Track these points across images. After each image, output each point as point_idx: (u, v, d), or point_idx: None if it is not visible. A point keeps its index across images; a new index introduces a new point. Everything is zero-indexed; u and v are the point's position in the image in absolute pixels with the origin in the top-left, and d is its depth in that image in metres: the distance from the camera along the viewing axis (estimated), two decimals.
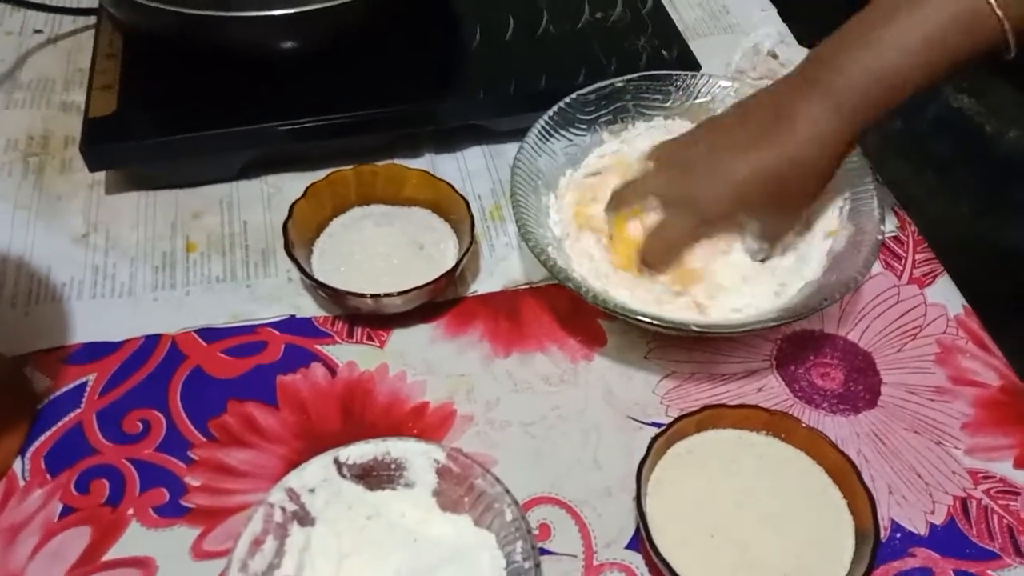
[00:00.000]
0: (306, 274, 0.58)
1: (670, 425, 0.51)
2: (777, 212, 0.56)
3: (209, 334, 0.59)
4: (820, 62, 0.54)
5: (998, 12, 0.49)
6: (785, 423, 0.52)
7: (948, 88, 0.97)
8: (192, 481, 0.52)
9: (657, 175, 0.58)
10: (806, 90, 0.53)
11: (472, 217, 0.61)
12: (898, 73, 0.51)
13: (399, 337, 0.60)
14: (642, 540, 0.49)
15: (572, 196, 0.62)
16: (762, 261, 0.58)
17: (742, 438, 0.52)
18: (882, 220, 0.57)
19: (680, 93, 0.66)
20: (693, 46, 0.74)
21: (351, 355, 0.58)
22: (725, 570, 0.47)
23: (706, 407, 0.52)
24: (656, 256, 0.57)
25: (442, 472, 0.49)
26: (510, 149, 0.70)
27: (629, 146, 0.65)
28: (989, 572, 0.50)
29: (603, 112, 0.65)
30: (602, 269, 0.58)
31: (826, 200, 0.60)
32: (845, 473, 0.50)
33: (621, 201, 0.58)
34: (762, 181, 0.54)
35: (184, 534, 0.50)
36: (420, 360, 0.58)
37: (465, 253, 0.59)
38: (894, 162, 0.98)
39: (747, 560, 0.47)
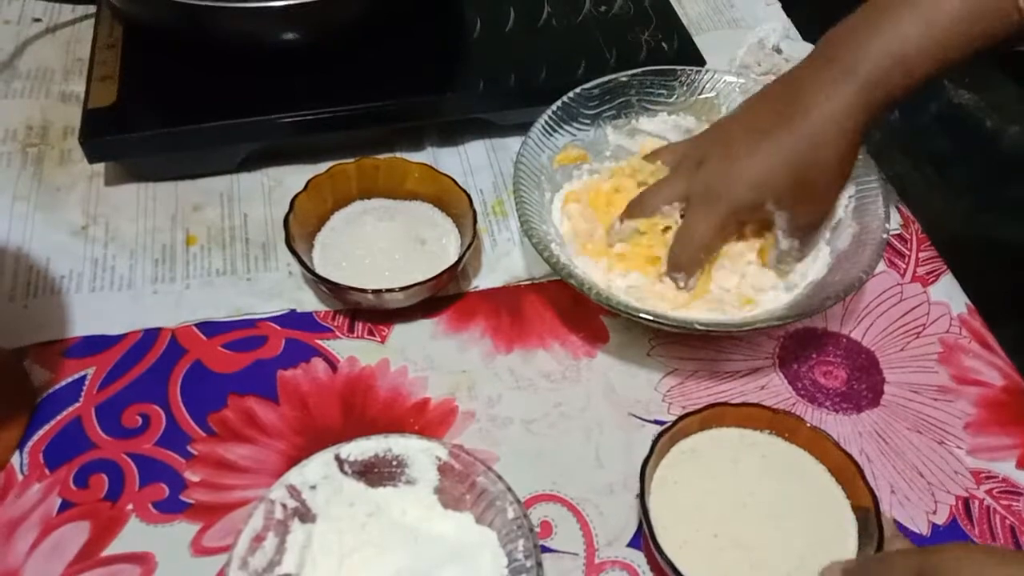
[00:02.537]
0: (307, 268, 0.57)
1: (674, 423, 0.51)
2: (805, 199, 0.54)
3: (209, 328, 0.59)
4: (836, 41, 0.53)
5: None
6: (788, 422, 0.52)
7: (949, 84, 0.97)
8: (192, 476, 0.52)
9: (674, 177, 0.57)
10: (822, 67, 0.53)
11: (474, 212, 0.60)
12: (919, 51, 0.50)
13: (400, 332, 0.59)
14: (644, 538, 0.49)
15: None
16: (785, 268, 0.58)
17: (745, 437, 0.52)
18: (887, 218, 0.57)
19: (684, 88, 0.66)
20: (697, 41, 0.74)
21: (352, 350, 0.58)
22: (728, 570, 0.47)
23: (709, 405, 0.52)
24: (685, 259, 0.55)
25: (444, 469, 0.48)
26: (512, 143, 0.70)
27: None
28: None
29: (607, 107, 0.65)
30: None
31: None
32: (848, 473, 0.49)
33: (640, 210, 0.57)
34: (786, 164, 0.52)
35: (184, 530, 0.50)
36: (421, 356, 0.58)
37: (467, 248, 0.58)
38: (895, 157, 0.98)
39: (750, 560, 0.47)
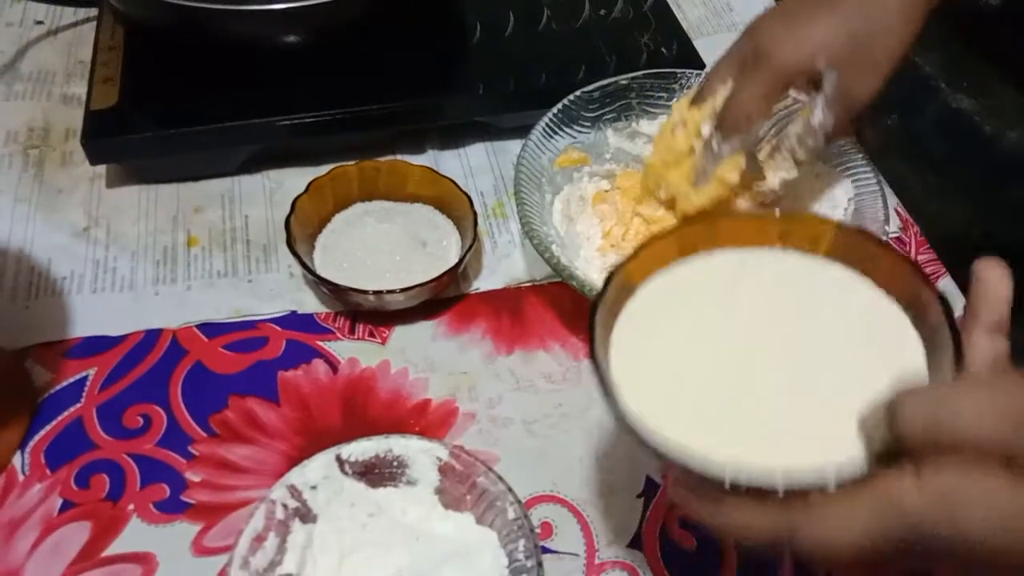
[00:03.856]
0: (308, 270, 0.58)
1: (636, 252, 0.37)
2: (860, 64, 0.52)
3: (210, 329, 0.59)
4: None
5: None
6: (807, 227, 0.38)
7: (947, 89, 0.97)
8: (193, 477, 0.52)
9: (727, 60, 0.56)
10: None
11: (475, 214, 0.60)
12: None
13: (401, 334, 0.59)
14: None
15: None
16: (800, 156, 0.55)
17: (748, 262, 0.38)
18: (886, 221, 0.57)
19: (684, 91, 0.66)
20: (697, 44, 0.74)
21: (353, 351, 0.58)
22: (736, 437, 0.33)
23: (687, 220, 0.39)
24: (728, 120, 0.54)
25: (444, 470, 0.49)
26: (513, 146, 0.70)
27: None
28: None
29: (607, 110, 0.65)
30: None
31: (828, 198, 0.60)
32: (903, 277, 0.36)
33: (700, 95, 0.56)
34: (846, 27, 0.51)
35: (185, 530, 0.50)
36: (422, 357, 0.58)
37: (468, 250, 0.59)
38: (894, 162, 0.98)
39: (764, 423, 0.34)
